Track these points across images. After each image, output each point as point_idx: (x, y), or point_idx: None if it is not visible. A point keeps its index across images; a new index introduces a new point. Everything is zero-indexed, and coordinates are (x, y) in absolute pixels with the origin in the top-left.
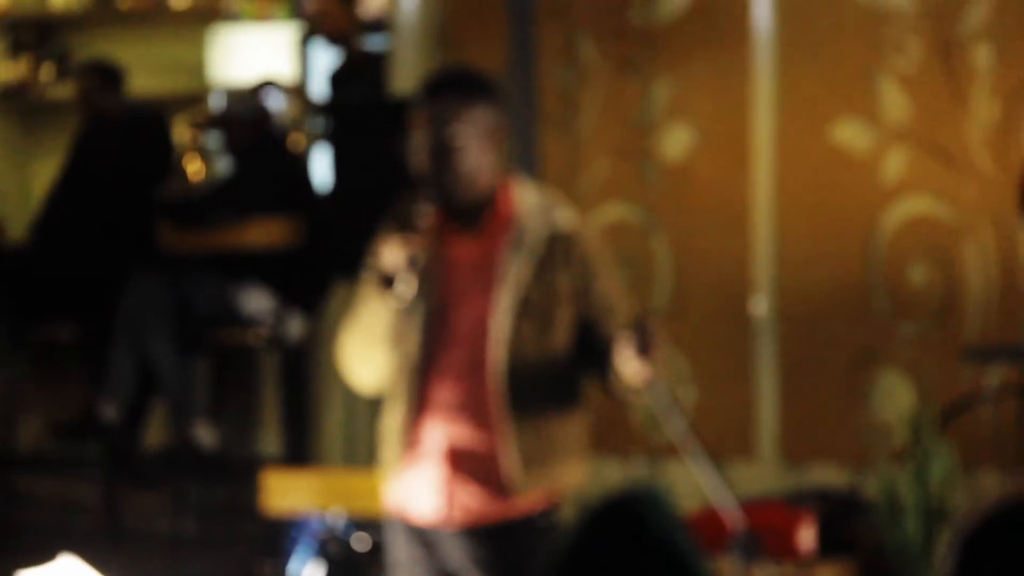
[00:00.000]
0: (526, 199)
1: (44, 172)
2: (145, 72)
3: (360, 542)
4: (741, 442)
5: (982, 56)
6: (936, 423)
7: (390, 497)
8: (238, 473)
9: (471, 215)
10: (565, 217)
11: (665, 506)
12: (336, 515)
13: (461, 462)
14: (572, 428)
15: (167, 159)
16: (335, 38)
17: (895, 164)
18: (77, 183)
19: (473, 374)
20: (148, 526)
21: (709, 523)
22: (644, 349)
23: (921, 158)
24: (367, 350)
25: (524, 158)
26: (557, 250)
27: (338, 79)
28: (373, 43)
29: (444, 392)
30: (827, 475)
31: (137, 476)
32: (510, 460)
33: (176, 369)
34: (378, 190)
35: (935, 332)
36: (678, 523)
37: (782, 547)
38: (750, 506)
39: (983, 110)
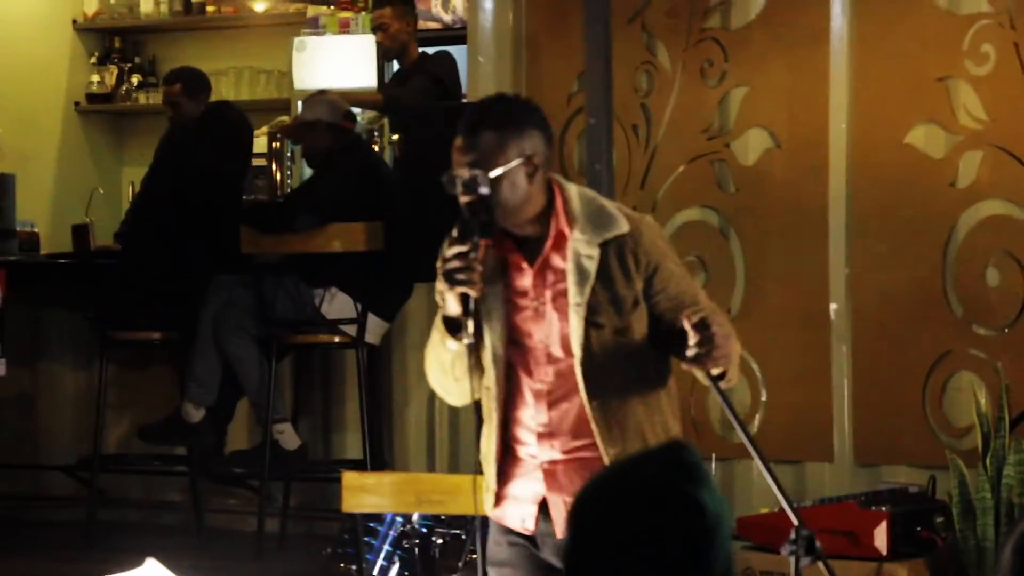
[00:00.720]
0: (576, 208)
1: (132, 177)
2: (229, 80)
3: (437, 543)
4: (817, 444)
5: None
6: (1010, 424)
7: (492, 511)
8: (319, 473)
9: (527, 239)
10: (619, 218)
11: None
12: (414, 516)
13: (558, 473)
14: (667, 419)
15: (248, 164)
16: (391, 48)
17: (970, 167)
18: (162, 189)
19: (558, 388)
20: (232, 525)
21: (775, 524)
22: (703, 345)
23: (997, 161)
24: (442, 379)
25: (600, 165)
26: (617, 253)
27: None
28: (438, 51)
29: (532, 409)
30: (902, 476)
31: (221, 476)
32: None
33: (259, 371)
34: (451, 196)
35: (1010, 334)
36: (708, 478)
37: (857, 548)
38: (825, 507)
39: None
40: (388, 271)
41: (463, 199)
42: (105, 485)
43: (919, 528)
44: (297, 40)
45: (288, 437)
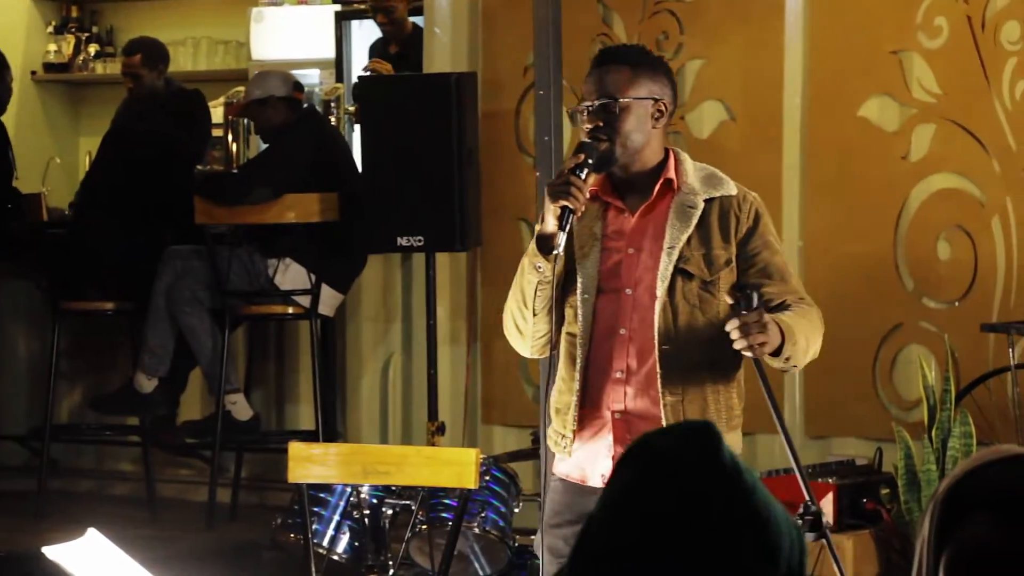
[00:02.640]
0: (688, 169)
1: (88, 147)
2: (187, 50)
3: (387, 513)
4: (766, 416)
5: (1009, 33)
6: (956, 397)
7: (559, 463)
8: (272, 444)
9: (634, 185)
10: (729, 182)
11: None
12: (363, 487)
13: (630, 427)
14: (731, 394)
15: (205, 136)
16: (394, 32)
17: (923, 140)
18: (117, 159)
19: (637, 341)
20: (184, 495)
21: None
22: (745, 318)
23: (949, 134)
24: (519, 318)
25: (549, 136)
26: (720, 212)
27: (376, 54)
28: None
29: (610, 360)
30: (850, 448)
31: (173, 447)
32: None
33: (211, 342)
34: (408, 167)
35: (960, 307)
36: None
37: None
38: (773, 479)
39: (1009, 87)
40: (342, 242)
41: (588, 124)
42: (57, 455)
43: (865, 500)
44: (255, 11)
45: (240, 408)
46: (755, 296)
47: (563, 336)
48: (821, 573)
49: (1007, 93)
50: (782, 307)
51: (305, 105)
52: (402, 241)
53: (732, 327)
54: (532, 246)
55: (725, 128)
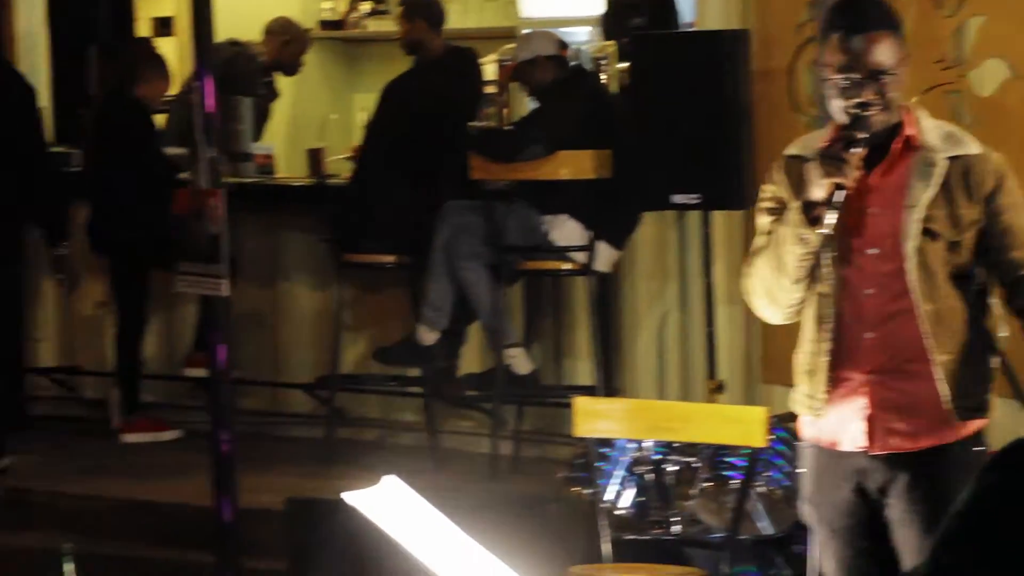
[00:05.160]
0: (927, 127)
1: (363, 104)
2: (457, 7)
3: (670, 470)
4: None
5: None
6: None
7: (809, 427)
8: (551, 398)
9: (881, 143)
10: (969, 140)
11: None
12: (646, 443)
13: (885, 390)
14: (988, 357)
15: (478, 94)
16: None
17: None
18: (396, 115)
19: (882, 300)
20: (466, 447)
21: None
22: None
23: None
24: (773, 284)
25: None
26: (962, 174)
27: (623, 11)
28: None
29: (859, 320)
30: None
31: (455, 398)
32: (937, 387)
33: (490, 296)
34: (679, 125)
35: None
36: None
37: None
38: None
39: None
40: (617, 199)
41: (855, 96)
42: (343, 404)
43: None
44: None
45: (520, 362)
46: None
47: (812, 297)
48: None
49: None
50: None
51: (574, 63)
52: (677, 199)
53: None
54: (795, 215)
55: (1008, 87)
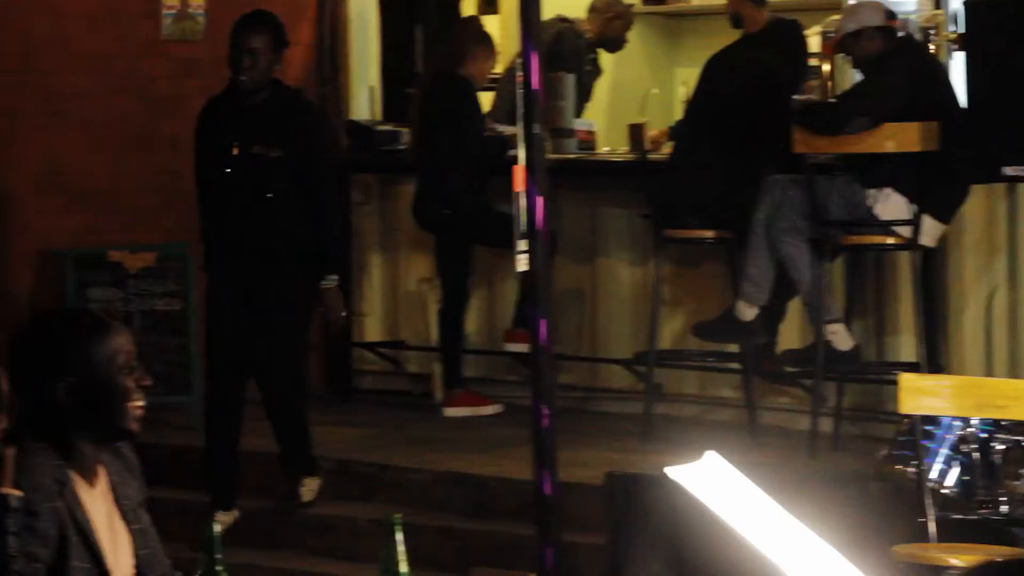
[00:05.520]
0: None
1: (684, 78)
2: None
3: (998, 448)
4: None
5: None
6: None
7: None
8: (872, 375)
9: None
10: None
11: None
12: (972, 421)
13: None
14: None
15: (802, 66)
16: None
17: None
18: (718, 89)
19: None
20: (785, 423)
21: None
22: None
23: None
24: None
25: None
26: None
27: None
28: None
29: None
30: None
31: (774, 375)
32: None
33: (811, 271)
34: (1018, 94)
35: None
36: None
37: None
38: None
39: None
40: (944, 171)
41: None
42: (661, 379)
43: None
44: None
45: (841, 338)
46: None
47: None
48: None
49: None
50: None
51: (902, 33)
52: (1009, 170)
53: None
54: None
55: None
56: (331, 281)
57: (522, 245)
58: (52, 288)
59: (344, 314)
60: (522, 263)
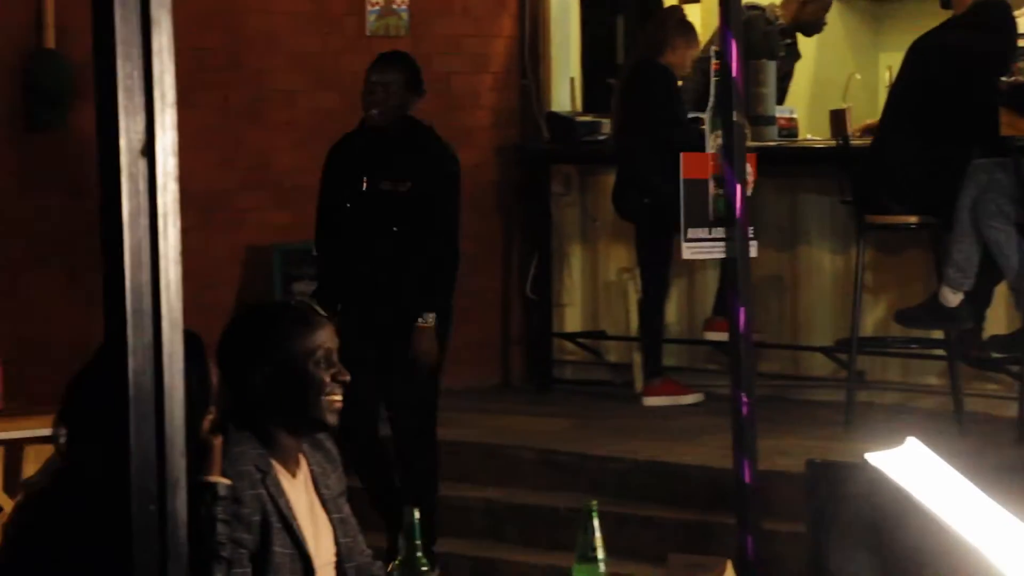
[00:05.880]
0: None
1: (888, 63)
2: None
3: None
4: None
5: None
6: None
7: None
8: None
9: None
10: None
11: None
12: None
13: None
14: None
15: (1011, 48)
16: None
17: None
18: (920, 73)
19: None
20: (991, 410)
21: None
22: None
23: None
24: None
25: None
26: None
27: None
28: None
29: None
30: None
31: (980, 361)
32: None
33: (1018, 256)
34: None
35: None
36: None
37: None
38: None
39: None
40: None
41: None
42: (863, 367)
43: None
44: None
45: None
46: None
47: None
48: None
49: None
50: None
51: None
52: None
53: None
54: None
55: None
56: (427, 320)
57: (689, 233)
58: (260, 282)
59: (436, 358)
60: (687, 252)
